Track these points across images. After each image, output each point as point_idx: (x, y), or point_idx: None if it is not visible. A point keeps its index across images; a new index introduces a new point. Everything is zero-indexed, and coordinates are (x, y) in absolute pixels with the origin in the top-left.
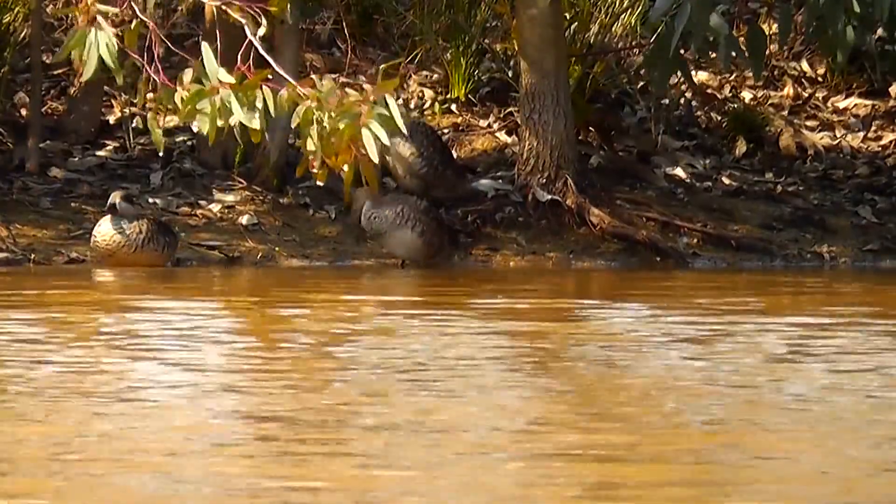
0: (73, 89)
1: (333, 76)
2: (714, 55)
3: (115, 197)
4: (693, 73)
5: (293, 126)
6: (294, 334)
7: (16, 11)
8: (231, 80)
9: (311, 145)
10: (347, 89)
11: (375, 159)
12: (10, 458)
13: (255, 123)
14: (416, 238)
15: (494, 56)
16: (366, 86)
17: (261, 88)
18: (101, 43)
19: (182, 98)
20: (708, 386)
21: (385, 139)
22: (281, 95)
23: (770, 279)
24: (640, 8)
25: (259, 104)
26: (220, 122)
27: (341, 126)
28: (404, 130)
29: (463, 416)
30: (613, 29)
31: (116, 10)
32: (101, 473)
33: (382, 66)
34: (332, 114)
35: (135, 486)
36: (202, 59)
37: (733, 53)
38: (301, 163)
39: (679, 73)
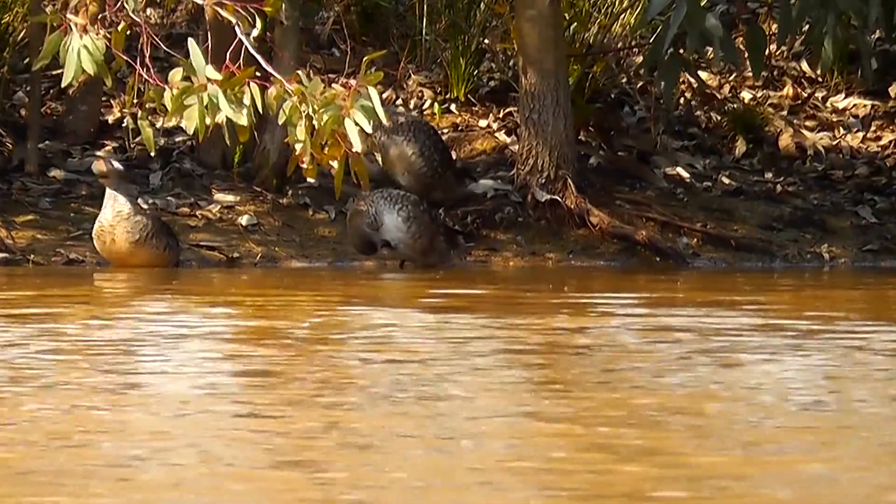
0: (73, 90)
1: (333, 76)
2: (710, 56)
3: (101, 162)
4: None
5: (280, 123)
6: (298, 334)
7: (15, 11)
8: (218, 76)
9: (298, 140)
10: (334, 84)
11: (359, 149)
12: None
13: (243, 120)
14: (401, 223)
15: (494, 56)
16: (351, 80)
17: (248, 85)
18: (76, 48)
19: (170, 97)
20: None
21: (367, 129)
22: (269, 93)
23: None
24: (640, 7)
25: (246, 101)
26: (207, 121)
27: (325, 118)
28: (385, 121)
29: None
30: (613, 29)
31: (83, 21)
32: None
33: (365, 58)
34: (316, 107)
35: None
36: (190, 56)
37: (725, 53)
38: (291, 159)
39: (684, 74)
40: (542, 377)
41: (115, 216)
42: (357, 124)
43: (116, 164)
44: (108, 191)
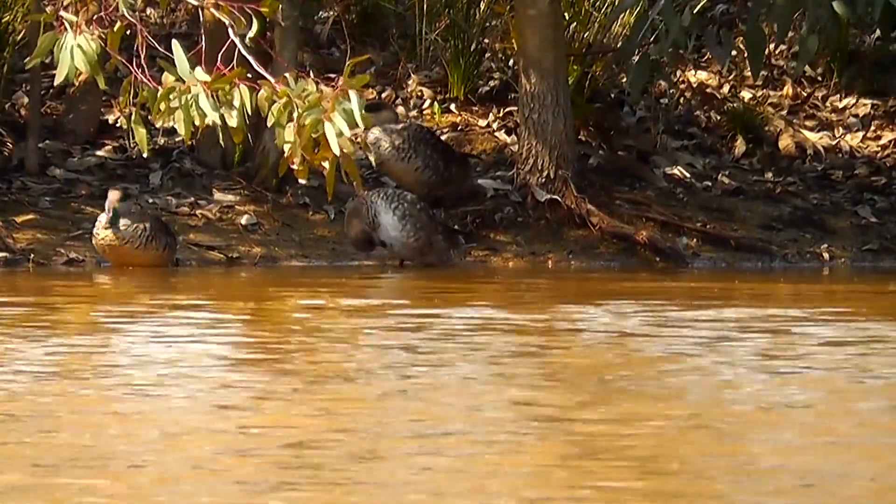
0: (73, 89)
1: (332, 76)
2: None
3: (114, 202)
4: (692, 73)
5: (269, 125)
6: (303, 334)
7: (15, 11)
8: (207, 78)
9: (287, 142)
10: (322, 87)
11: (337, 152)
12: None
13: (233, 121)
14: (396, 222)
15: (494, 56)
16: (340, 80)
17: (237, 86)
18: (69, 47)
19: (157, 98)
20: None
21: (347, 132)
22: (260, 95)
23: None
24: (639, 7)
25: (236, 102)
26: (196, 122)
27: (308, 121)
28: (362, 125)
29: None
30: (612, 28)
31: (76, 18)
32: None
33: (349, 62)
34: (300, 110)
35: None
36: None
37: (712, 51)
38: (282, 161)
39: (683, 73)
40: None
41: (112, 228)
42: (336, 127)
43: (116, 202)
44: (110, 210)
